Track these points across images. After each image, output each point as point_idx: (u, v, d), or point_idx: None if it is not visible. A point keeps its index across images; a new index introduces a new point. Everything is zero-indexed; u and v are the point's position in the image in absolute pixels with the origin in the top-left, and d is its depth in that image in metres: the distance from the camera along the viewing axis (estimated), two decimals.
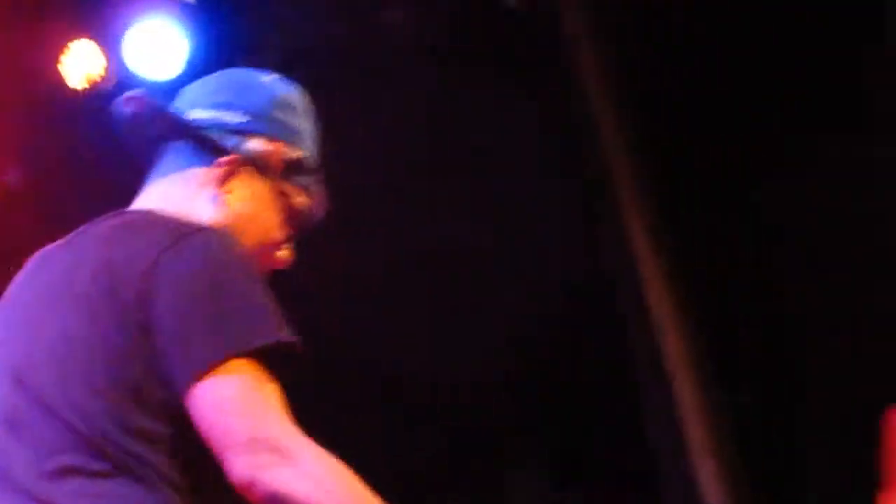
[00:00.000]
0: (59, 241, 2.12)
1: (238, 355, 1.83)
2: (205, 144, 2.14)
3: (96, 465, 1.84)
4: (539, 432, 6.19)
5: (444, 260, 5.66)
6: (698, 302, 5.55)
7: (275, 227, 2.17)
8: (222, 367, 1.81)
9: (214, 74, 2.27)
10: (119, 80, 4.85)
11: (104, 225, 2.05)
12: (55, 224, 2.33)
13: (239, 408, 1.80)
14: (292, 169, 2.18)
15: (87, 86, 4.92)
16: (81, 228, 2.10)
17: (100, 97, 4.82)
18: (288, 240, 2.21)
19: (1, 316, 2.07)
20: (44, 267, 2.07)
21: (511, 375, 5.90)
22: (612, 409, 5.75)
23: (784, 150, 5.56)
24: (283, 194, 2.18)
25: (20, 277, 2.12)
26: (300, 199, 2.20)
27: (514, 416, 6.08)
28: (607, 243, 5.66)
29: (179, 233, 1.93)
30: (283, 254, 2.21)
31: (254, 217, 2.14)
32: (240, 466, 1.79)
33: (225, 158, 2.13)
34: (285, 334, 1.88)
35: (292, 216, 2.19)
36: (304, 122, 2.25)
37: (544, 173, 5.67)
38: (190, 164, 2.14)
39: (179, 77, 4.94)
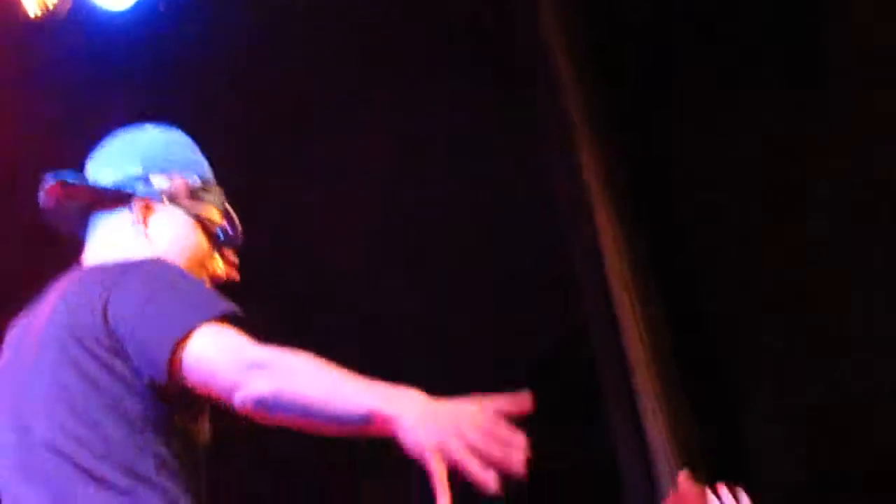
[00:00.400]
0: (26, 311, 2.42)
1: (196, 327, 2.09)
2: (118, 197, 2.46)
3: (105, 492, 2.10)
4: None
5: None
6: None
7: (201, 247, 2.49)
8: (188, 338, 2.07)
9: (105, 141, 2.56)
10: (74, 7, 4.94)
11: (64, 286, 2.34)
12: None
13: (216, 354, 2.06)
14: (197, 193, 2.51)
15: (42, 12, 4.99)
16: (42, 296, 2.40)
17: (55, 24, 4.93)
18: (220, 254, 2.53)
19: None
20: (23, 336, 2.35)
21: None
22: None
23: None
24: (199, 217, 2.49)
25: (7, 351, 2.40)
26: (215, 217, 2.52)
27: None
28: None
29: (120, 269, 2.25)
30: (221, 267, 2.52)
31: (178, 242, 2.46)
32: (236, 399, 2.03)
33: (138, 202, 2.45)
34: (229, 306, 2.15)
35: (213, 233, 2.51)
36: (191, 153, 2.57)
37: None
38: (114, 216, 2.47)
39: (134, 7, 5.05)
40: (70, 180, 2.48)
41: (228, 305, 2.14)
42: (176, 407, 2.18)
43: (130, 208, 2.45)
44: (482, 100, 5.83)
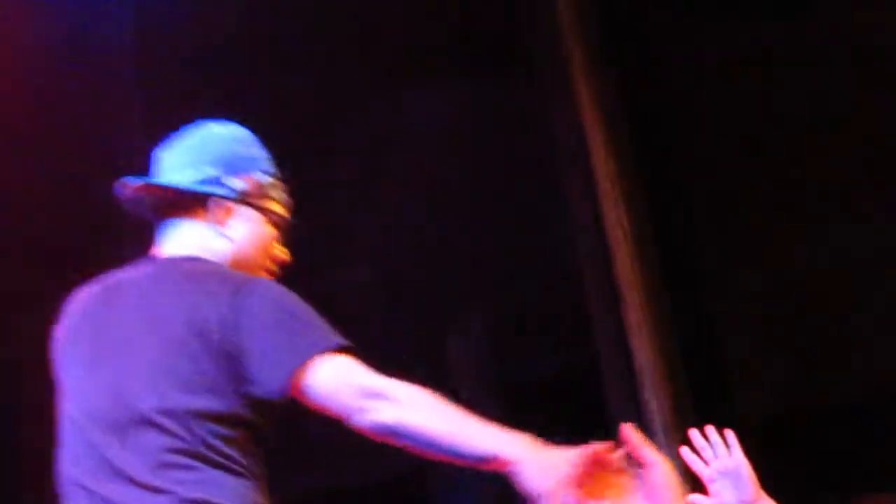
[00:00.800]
0: (99, 285, 2.65)
1: (314, 357, 2.39)
2: (196, 197, 2.67)
3: (192, 461, 2.38)
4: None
5: None
6: None
7: (269, 238, 2.73)
8: (307, 366, 2.38)
9: (176, 140, 2.76)
10: None
11: (164, 272, 2.59)
12: None
13: (338, 382, 2.38)
14: (266, 189, 2.74)
15: None
16: (126, 273, 2.64)
17: None
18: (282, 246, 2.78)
19: (79, 349, 2.58)
20: (102, 309, 2.59)
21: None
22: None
23: None
24: (267, 212, 2.72)
25: (79, 317, 2.62)
26: (280, 210, 2.76)
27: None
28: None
29: (236, 281, 2.52)
30: (280, 252, 2.76)
31: (252, 239, 2.70)
32: (360, 421, 2.35)
33: (217, 203, 2.67)
34: (341, 339, 2.44)
35: (280, 226, 2.76)
36: (256, 150, 2.77)
37: None
38: (192, 215, 2.68)
39: None
40: (153, 182, 2.69)
41: (341, 338, 2.43)
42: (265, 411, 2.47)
43: (207, 208, 2.66)
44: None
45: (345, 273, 6.19)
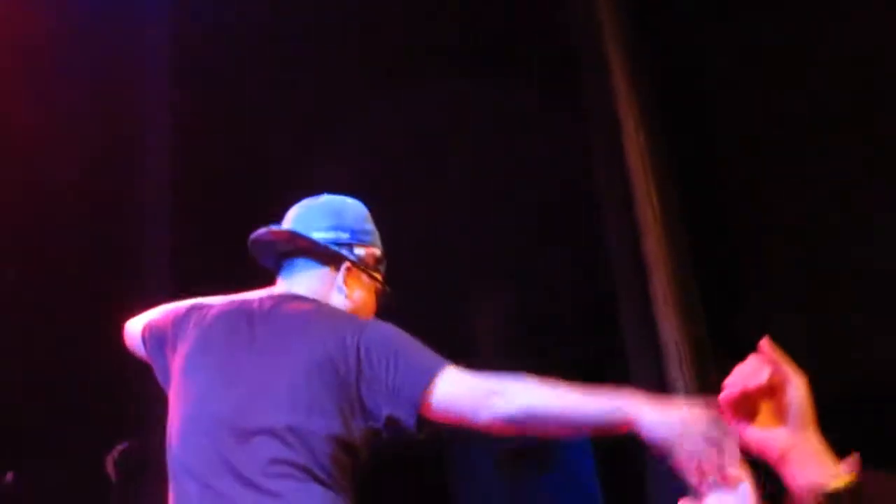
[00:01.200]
0: (232, 305, 3.06)
1: (437, 375, 2.74)
2: (328, 255, 3.11)
3: (303, 475, 2.69)
4: None
5: None
6: None
7: (373, 305, 3.16)
8: (433, 383, 2.72)
9: (316, 204, 3.20)
10: None
11: (293, 306, 2.99)
12: None
13: (459, 391, 2.70)
14: (378, 262, 3.19)
15: None
16: (259, 297, 3.07)
17: None
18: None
19: (212, 359, 2.94)
20: (245, 328, 2.96)
21: None
22: None
23: None
24: (377, 281, 3.17)
25: (213, 330, 3.00)
26: (382, 283, 3.18)
27: None
28: None
29: (359, 322, 2.91)
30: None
31: (363, 302, 3.12)
32: (484, 420, 2.66)
33: (344, 264, 3.11)
34: (446, 359, 2.78)
35: (379, 296, 3.18)
36: (373, 226, 3.22)
37: None
38: (320, 268, 3.11)
39: None
40: (298, 232, 3.10)
41: (444, 358, 2.79)
42: (369, 438, 2.81)
43: (337, 267, 3.11)
44: None
45: None
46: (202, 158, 6.30)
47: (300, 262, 3.11)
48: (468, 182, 6.43)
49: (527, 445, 6.36)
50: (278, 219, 3.19)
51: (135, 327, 3.23)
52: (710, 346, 5.47)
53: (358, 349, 2.77)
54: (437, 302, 6.43)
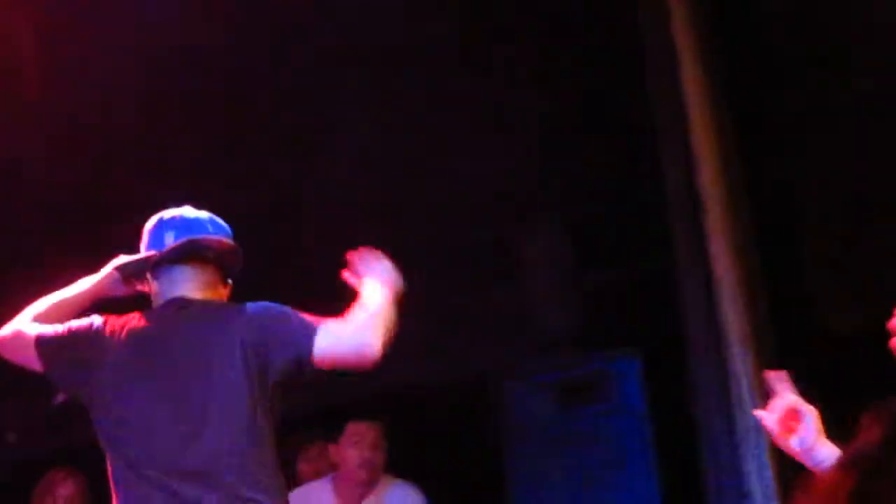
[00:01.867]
0: (150, 316, 3.31)
1: (318, 331, 3.16)
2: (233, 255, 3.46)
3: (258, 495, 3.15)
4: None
5: None
6: None
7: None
8: (316, 336, 3.14)
9: (207, 215, 3.47)
10: None
11: (203, 311, 3.31)
12: None
13: (337, 339, 3.13)
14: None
15: None
16: (169, 312, 3.31)
17: None
18: None
19: (142, 383, 3.22)
20: (164, 337, 3.27)
21: None
22: None
23: None
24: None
25: (127, 343, 3.26)
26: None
27: None
28: None
29: (244, 308, 3.26)
30: None
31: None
32: (368, 354, 3.12)
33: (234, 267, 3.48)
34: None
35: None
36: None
37: None
38: (216, 268, 3.43)
39: None
40: (229, 240, 3.44)
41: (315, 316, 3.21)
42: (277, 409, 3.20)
43: (228, 264, 3.43)
44: None
45: None
46: None
47: (195, 267, 3.38)
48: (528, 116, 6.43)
49: (579, 377, 6.41)
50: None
51: (19, 335, 3.36)
52: (762, 279, 5.50)
53: (257, 328, 3.16)
54: (490, 228, 6.49)
